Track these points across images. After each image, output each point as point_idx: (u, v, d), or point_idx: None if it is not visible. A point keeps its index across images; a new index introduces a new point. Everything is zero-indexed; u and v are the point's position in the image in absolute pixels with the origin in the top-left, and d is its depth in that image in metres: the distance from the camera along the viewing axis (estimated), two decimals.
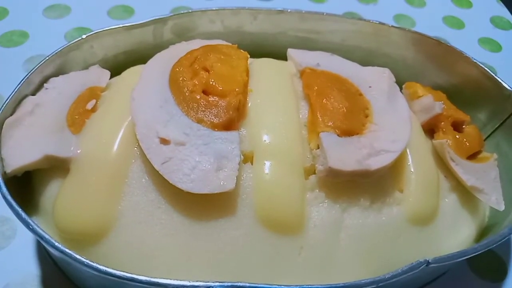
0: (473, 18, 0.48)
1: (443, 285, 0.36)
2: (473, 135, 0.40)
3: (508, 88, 0.43)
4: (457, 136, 0.40)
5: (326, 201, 0.35)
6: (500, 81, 0.43)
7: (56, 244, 0.31)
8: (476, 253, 0.33)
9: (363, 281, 0.31)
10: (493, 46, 0.47)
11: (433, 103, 0.41)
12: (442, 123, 0.41)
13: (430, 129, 0.41)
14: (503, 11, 0.49)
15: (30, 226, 0.32)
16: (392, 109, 0.40)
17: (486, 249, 0.33)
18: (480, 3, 0.48)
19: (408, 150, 0.38)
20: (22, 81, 0.40)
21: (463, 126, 0.41)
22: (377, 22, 0.48)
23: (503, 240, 0.33)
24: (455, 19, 0.49)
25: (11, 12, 0.46)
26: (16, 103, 0.39)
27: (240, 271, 0.34)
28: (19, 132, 0.37)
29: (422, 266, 0.32)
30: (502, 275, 0.35)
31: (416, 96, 0.43)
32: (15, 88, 0.39)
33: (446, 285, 0.36)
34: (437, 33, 0.48)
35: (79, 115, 0.39)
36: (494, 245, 0.33)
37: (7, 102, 0.38)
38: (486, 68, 0.44)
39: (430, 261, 0.32)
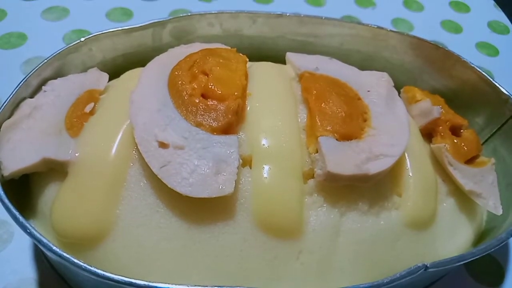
0: (470, 23, 0.48)
1: None
2: (470, 139, 0.40)
3: (506, 92, 0.43)
4: (455, 141, 0.40)
5: (324, 205, 0.35)
6: (498, 85, 0.43)
7: (54, 248, 0.31)
8: (474, 258, 0.33)
9: (361, 286, 0.31)
10: (491, 50, 0.47)
11: (431, 108, 0.41)
12: (440, 127, 0.41)
13: (428, 133, 0.41)
14: (500, 15, 0.49)
15: (28, 230, 0.32)
16: (391, 113, 0.40)
17: (484, 254, 0.33)
18: (478, 7, 0.49)
19: (406, 155, 0.38)
20: (20, 84, 0.39)
21: (461, 131, 0.41)
22: (375, 26, 0.48)
23: (501, 245, 0.33)
24: (453, 23, 0.49)
25: (9, 14, 0.45)
26: (14, 105, 0.39)
27: (238, 276, 0.33)
28: (17, 135, 0.37)
29: (421, 271, 0.32)
30: (500, 280, 0.35)
31: (414, 100, 0.43)
32: (13, 91, 0.39)
33: None
34: (435, 37, 0.48)
35: (77, 118, 0.38)
36: (492, 250, 0.33)
37: (5, 104, 0.38)
38: (483, 73, 0.44)
39: (428, 265, 0.32)
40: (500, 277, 0.35)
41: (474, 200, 0.37)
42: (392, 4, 0.49)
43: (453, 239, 0.37)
